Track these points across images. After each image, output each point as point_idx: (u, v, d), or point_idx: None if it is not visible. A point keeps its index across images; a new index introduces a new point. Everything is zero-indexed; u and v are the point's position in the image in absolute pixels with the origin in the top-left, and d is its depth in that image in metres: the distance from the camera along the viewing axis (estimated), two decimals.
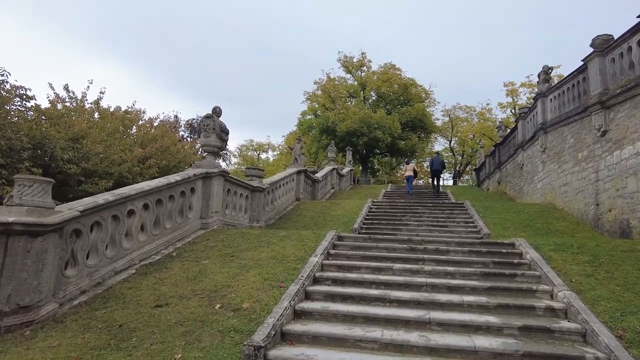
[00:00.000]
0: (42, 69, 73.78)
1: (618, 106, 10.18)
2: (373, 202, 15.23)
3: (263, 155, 62.84)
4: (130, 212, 7.18)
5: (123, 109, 24.03)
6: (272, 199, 13.69)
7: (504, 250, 7.16)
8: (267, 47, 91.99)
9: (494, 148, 24.24)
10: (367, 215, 13.24)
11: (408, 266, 6.56)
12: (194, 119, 45.70)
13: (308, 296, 5.71)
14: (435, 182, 19.20)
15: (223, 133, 10.05)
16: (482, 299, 5.35)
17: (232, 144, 76.49)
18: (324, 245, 7.38)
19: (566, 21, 75.60)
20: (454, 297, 5.43)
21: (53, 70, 78.13)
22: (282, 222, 12.96)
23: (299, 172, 16.50)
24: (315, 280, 6.20)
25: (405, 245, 7.58)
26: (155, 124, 23.86)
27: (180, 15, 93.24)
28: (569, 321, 4.79)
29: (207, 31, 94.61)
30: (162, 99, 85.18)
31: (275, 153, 61.58)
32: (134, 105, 22.80)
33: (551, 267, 6.18)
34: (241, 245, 7.85)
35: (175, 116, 44.96)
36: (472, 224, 11.91)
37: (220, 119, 10.18)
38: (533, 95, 35.83)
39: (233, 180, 10.90)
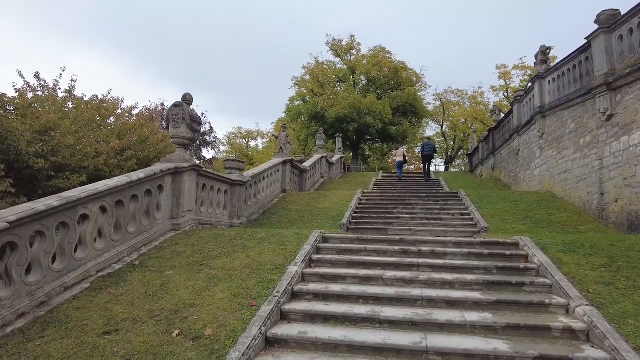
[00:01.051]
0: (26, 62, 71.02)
1: (626, 87, 9.36)
2: (363, 192, 14.40)
3: (252, 143, 61.63)
4: (84, 217, 6.25)
5: (100, 98, 22.68)
6: (255, 192, 12.79)
7: (507, 252, 6.36)
8: (255, 35, 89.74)
9: (487, 133, 23.48)
10: (357, 208, 12.41)
11: (401, 274, 5.74)
12: None
13: (284, 316, 4.88)
14: (427, 167, 19.43)
15: (194, 123, 9.06)
16: (488, 317, 4.56)
17: (221, 132, 75.13)
18: (306, 250, 6.53)
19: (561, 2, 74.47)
20: (455, 315, 4.63)
21: (37, 64, 75.42)
22: (266, 218, 12.08)
23: (284, 163, 15.57)
24: (294, 295, 5.37)
25: (397, 248, 6.76)
26: (135, 112, 22.62)
27: (167, 8, 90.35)
28: (593, 347, 4.01)
29: (199, 23, 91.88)
30: (153, 91, 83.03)
31: (264, 140, 60.43)
32: (109, 93, 21.51)
33: (563, 274, 5.40)
34: (213, 251, 6.97)
35: (162, 104, 43.60)
36: (468, 216, 11.15)
37: (191, 107, 9.19)
38: (526, 78, 35.08)
39: (209, 175, 9.96)
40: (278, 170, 15.15)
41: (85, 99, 21.53)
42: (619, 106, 9.63)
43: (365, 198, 13.85)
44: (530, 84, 15.99)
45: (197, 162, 9.37)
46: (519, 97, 17.34)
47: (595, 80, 10.32)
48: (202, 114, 45.94)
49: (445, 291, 5.24)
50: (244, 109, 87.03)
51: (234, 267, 6.21)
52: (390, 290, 5.25)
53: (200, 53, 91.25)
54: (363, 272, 5.89)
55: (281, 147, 15.91)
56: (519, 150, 17.00)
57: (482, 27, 77.63)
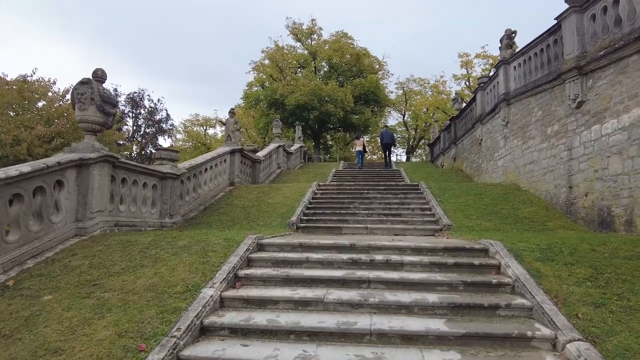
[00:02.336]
0: None
1: (599, 72, 8.55)
2: (319, 185, 13.17)
3: (211, 131, 59.16)
4: None
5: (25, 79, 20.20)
6: (194, 186, 11.25)
7: (476, 262, 5.29)
8: (211, 19, 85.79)
9: (449, 122, 22.82)
10: (310, 203, 11.17)
11: (347, 295, 4.52)
12: (135, 92, 41.31)
13: None
14: (387, 156, 20.09)
15: (107, 104, 7.43)
16: None
17: (177, 119, 71.64)
18: (232, 263, 5.18)
19: None
20: (413, 359, 3.47)
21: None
22: (206, 216, 10.61)
23: (232, 152, 14.04)
24: (204, 331, 4.03)
25: (346, 257, 5.54)
26: (69, 96, 20.13)
27: None
28: None
29: (147, 4, 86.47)
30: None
31: (223, 128, 58.01)
32: (34, 73, 18.96)
33: (544, 292, 4.37)
34: (115, 265, 5.50)
35: (115, 89, 40.35)
36: (429, 212, 10.18)
37: (104, 85, 7.54)
38: (488, 67, 34.91)
39: (130, 167, 8.37)
40: (225, 160, 13.63)
41: (8, 78, 19.04)
42: (591, 92, 8.84)
43: (321, 191, 12.62)
44: (494, 70, 15.22)
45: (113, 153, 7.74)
46: (482, 84, 16.59)
47: (565, 64, 9.49)
48: (159, 100, 43.13)
49: (402, 320, 4.07)
50: (203, 96, 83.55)
51: (135, 288, 4.79)
52: (331, 321, 4.01)
53: (155, 37, 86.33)
54: (301, 292, 4.63)
55: (229, 135, 14.36)
56: (481, 139, 16.30)
57: (445, 14, 77.81)
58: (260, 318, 4.11)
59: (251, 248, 5.75)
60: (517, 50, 13.60)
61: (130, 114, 42.17)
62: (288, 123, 32.72)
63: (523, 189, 11.79)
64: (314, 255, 5.62)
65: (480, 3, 75.83)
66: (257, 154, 17.97)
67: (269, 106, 33.89)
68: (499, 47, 14.47)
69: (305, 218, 9.89)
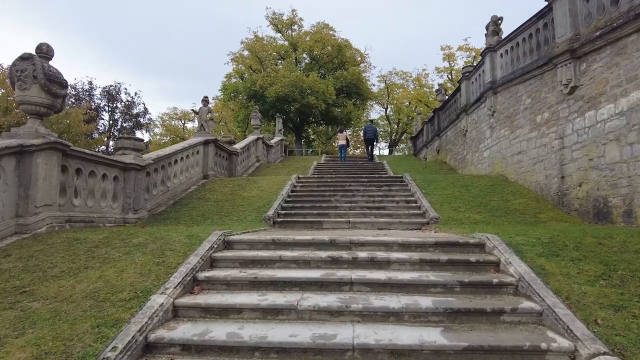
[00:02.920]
0: None
1: (594, 54, 8.05)
2: (299, 178, 12.43)
3: (189, 125, 57.68)
4: None
5: None
6: (163, 178, 10.36)
7: (472, 259, 4.66)
8: (189, 12, 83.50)
9: (432, 114, 22.35)
10: (289, 197, 10.44)
11: (326, 301, 3.82)
12: (111, 85, 39.79)
13: None
14: (370, 150, 20.13)
15: (53, 84, 6.51)
16: None
17: (155, 113, 69.66)
18: (191, 264, 4.42)
19: None
20: None
21: None
22: (175, 211, 9.75)
23: (206, 143, 13.16)
24: (149, 349, 3.27)
25: (325, 255, 4.84)
26: None
27: None
28: None
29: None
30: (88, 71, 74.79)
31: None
32: None
33: (554, 293, 3.76)
34: (55, 267, 4.66)
35: (90, 82, 38.72)
36: (414, 204, 9.57)
37: (50, 62, 6.62)
38: (471, 59, 34.65)
39: (86, 156, 7.47)
40: (197, 151, 12.74)
41: None
42: (585, 76, 8.33)
43: (301, 184, 11.89)
44: (480, 59, 14.71)
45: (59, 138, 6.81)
46: (467, 74, 16.08)
47: (557, 47, 8.97)
48: (136, 93, 41.68)
49: (390, 330, 3.40)
50: (182, 90, 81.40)
51: (72, 295, 3.98)
52: (305, 334, 3.30)
53: (134, 32, 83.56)
54: (270, 298, 3.90)
55: (202, 125, 13.46)
56: (466, 130, 15.81)
57: (428, 6, 77.58)
58: (220, 331, 3.37)
59: (216, 246, 4.98)
60: (503, 37, 13.08)
61: (107, 108, 40.77)
62: (269, 116, 31.81)
63: (511, 180, 11.32)
64: (288, 254, 4.89)
65: None
66: (234, 145, 17.09)
67: (248, 98, 32.88)
68: (485, 34, 13.94)
69: (283, 212, 9.16)
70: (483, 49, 14.10)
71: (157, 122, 53.64)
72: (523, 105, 10.94)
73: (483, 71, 13.93)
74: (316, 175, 14.20)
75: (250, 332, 3.35)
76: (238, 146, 17.24)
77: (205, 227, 6.76)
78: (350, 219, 8.57)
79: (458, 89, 17.23)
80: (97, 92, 38.88)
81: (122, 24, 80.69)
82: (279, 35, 37.22)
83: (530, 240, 5.08)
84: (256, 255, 4.86)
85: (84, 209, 7.49)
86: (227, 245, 5.30)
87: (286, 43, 36.42)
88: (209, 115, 13.72)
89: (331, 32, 35.33)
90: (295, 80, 29.88)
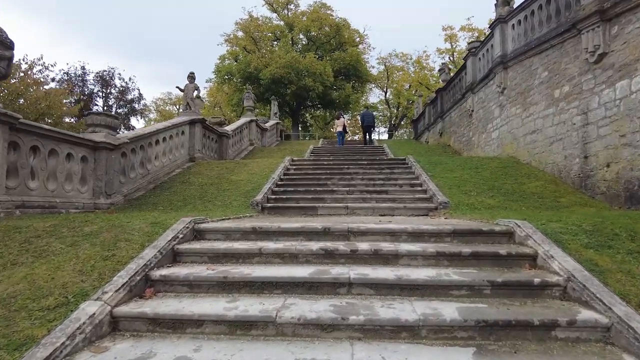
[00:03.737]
0: None
1: (629, 14, 7.00)
2: (292, 161, 11.44)
3: None
4: None
5: None
6: (142, 160, 9.35)
7: (502, 252, 3.70)
8: None
9: (435, 95, 21.26)
10: (281, 180, 9.47)
11: (315, 310, 2.87)
12: (105, 70, 38.54)
13: None
14: (368, 137, 19.89)
15: None
16: None
17: (149, 98, 68.15)
18: (145, 258, 3.47)
19: None
20: None
21: None
22: (154, 195, 8.78)
23: (192, 123, 12.11)
24: None
25: (317, 247, 3.88)
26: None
27: None
28: None
29: None
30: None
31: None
32: None
33: (621, 298, 2.81)
34: None
35: (82, 67, 37.42)
36: (419, 188, 8.63)
37: None
38: (474, 39, 33.33)
39: (44, 132, 6.46)
40: (182, 132, 11.70)
41: None
42: (616, 41, 7.30)
43: (294, 167, 10.91)
44: (488, 31, 13.60)
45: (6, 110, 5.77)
46: (473, 50, 14.96)
47: (583, 10, 7.92)
48: (130, 79, 40.39)
49: (403, 353, 2.45)
50: (178, 75, 79.49)
51: None
52: (286, 359, 2.36)
53: (127, 16, 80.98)
54: (242, 306, 2.95)
55: (188, 103, 12.39)
56: (472, 110, 14.77)
57: None
58: (166, 355, 2.42)
59: (181, 236, 4.02)
60: (515, 7, 11.96)
61: (100, 94, 39.60)
62: (264, 99, 30.61)
63: (523, 162, 10.34)
64: (271, 245, 3.93)
65: None
66: (225, 127, 16.04)
67: (243, 81, 31.60)
68: (495, 4, 12.79)
69: (274, 197, 8.19)
70: (492, 21, 12.99)
71: (151, 108, 52.48)
72: (538, 80, 9.91)
73: (492, 45, 12.83)
74: (312, 158, 13.21)
75: (211, 355, 2.40)
76: (229, 128, 16.19)
77: (180, 214, 5.78)
78: (349, 204, 7.63)
79: (463, 67, 16.12)
80: (91, 77, 37.68)
81: (113, 6, 78.28)
82: (274, 15, 35.79)
83: (570, 228, 4.12)
84: (231, 248, 3.90)
85: (43, 193, 6.51)
86: (198, 234, 4.34)
87: (282, 23, 34.99)
88: (196, 92, 12.64)
89: (329, 12, 33.90)
90: (291, 61, 28.62)
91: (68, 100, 22.93)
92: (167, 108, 54.30)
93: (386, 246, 3.91)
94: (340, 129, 19.94)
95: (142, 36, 78.66)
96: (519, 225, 4.08)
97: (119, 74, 42.97)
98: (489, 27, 13.59)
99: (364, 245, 3.92)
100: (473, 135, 14.73)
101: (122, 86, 39.68)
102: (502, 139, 11.99)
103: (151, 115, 53.21)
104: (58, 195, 6.84)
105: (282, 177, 9.75)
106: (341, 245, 3.91)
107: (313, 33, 33.32)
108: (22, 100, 16.08)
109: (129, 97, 41.50)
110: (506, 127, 11.76)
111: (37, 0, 67.55)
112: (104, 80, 38.72)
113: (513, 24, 11.53)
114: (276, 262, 3.76)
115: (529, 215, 5.04)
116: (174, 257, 3.84)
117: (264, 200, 7.83)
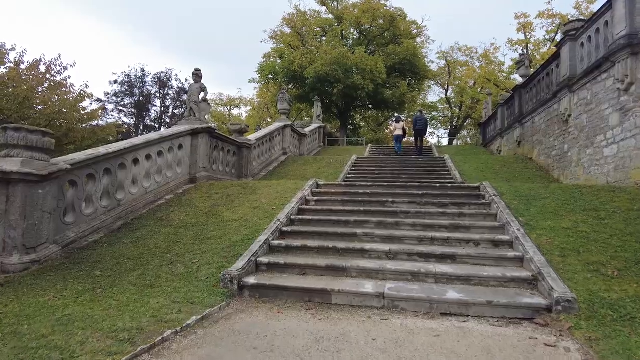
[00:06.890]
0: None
1: None
2: (317, 186, 8.42)
3: (235, 111, 55.50)
4: None
5: None
6: (106, 188, 6.77)
7: None
8: None
9: (511, 93, 17.18)
10: (292, 222, 6.56)
11: None
12: (162, 72, 38.21)
13: None
14: (419, 143, 18.11)
15: None
16: None
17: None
18: None
19: None
20: None
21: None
22: (109, 243, 6.18)
23: (194, 133, 9.45)
24: None
25: None
26: (24, 66, 15.83)
27: None
28: None
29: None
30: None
31: (248, 108, 54.41)
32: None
33: None
34: None
35: (142, 70, 37.39)
36: (510, 252, 5.29)
37: None
38: (554, 28, 28.18)
39: None
40: (180, 145, 9.07)
41: None
42: None
43: (317, 197, 7.88)
44: (604, 3, 9.62)
45: None
46: (572, 32, 10.95)
47: None
48: (186, 79, 39.52)
49: None
50: (229, 75, 79.12)
51: None
52: None
53: (187, 20, 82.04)
54: None
55: (191, 108, 9.75)
56: (569, 115, 10.79)
57: None
58: None
59: None
60: None
61: (158, 95, 39.32)
62: (310, 100, 27.76)
63: None
64: None
65: None
66: (249, 136, 13.31)
67: (288, 80, 29.02)
68: None
69: (267, 262, 5.21)
70: None
71: None
72: None
73: (609, 21, 8.91)
74: (346, 182, 10.06)
75: None
76: (253, 137, 13.43)
77: (105, 299, 2.94)
78: (387, 287, 4.45)
79: (555, 57, 12.09)
80: (149, 79, 37.67)
81: (165, 9, 79.58)
82: (323, 9, 32.83)
83: None
84: None
85: None
86: None
87: (331, 16, 31.95)
88: (202, 95, 9.97)
89: (382, 2, 30.31)
90: (338, 57, 25.50)
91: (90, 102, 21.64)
92: (218, 109, 53.42)
93: None
94: (399, 132, 18.22)
95: (189, 37, 79.21)
96: None
97: (176, 75, 42.65)
98: None
99: None
100: (570, 149, 10.77)
101: (178, 87, 39.09)
102: (624, 158, 8.10)
103: (206, 117, 52.73)
104: None
105: (292, 217, 6.75)
106: None
107: (365, 26, 29.96)
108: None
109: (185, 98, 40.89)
110: (632, 140, 7.87)
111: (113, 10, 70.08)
112: (162, 81, 38.39)
113: None
114: None
115: None
116: None
117: (246, 269, 4.90)
